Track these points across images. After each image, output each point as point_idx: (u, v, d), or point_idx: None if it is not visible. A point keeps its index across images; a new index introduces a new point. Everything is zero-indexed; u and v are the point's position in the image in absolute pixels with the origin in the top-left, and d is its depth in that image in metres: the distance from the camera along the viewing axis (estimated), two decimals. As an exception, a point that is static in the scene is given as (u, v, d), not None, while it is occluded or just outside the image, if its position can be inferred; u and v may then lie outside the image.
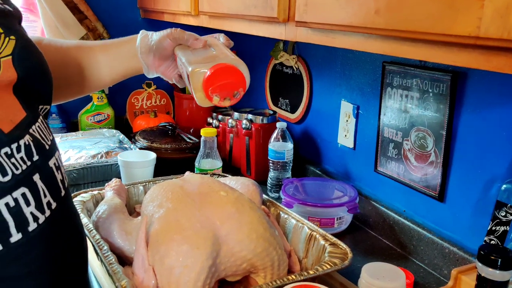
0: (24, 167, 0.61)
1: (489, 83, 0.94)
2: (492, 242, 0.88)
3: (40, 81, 0.70)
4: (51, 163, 0.67)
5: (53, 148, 0.69)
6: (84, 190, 1.07)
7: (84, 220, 0.93)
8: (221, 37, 0.92)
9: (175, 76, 0.94)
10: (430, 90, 1.05)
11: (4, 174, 0.58)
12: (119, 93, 2.00)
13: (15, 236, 0.58)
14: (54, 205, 0.65)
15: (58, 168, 0.69)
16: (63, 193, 0.69)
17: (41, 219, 0.62)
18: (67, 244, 0.69)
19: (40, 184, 0.63)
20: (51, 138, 0.70)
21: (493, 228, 0.89)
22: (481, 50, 0.54)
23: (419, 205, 1.14)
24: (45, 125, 0.70)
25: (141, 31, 0.93)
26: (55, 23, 1.75)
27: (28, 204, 0.60)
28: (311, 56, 1.51)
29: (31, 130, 0.65)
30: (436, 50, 0.61)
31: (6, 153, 0.59)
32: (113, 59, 0.91)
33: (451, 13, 0.55)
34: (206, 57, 0.83)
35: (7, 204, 0.58)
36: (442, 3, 0.56)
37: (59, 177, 0.69)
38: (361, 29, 0.71)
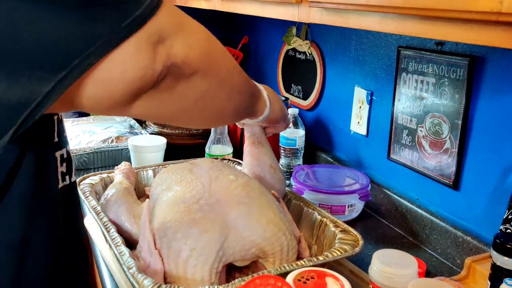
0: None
1: (508, 68, 0.91)
2: (508, 231, 0.85)
3: None
4: None
5: None
6: (93, 173, 1.07)
7: (93, 202, 0.92)
8: None
9: None
10: (447, 75, 1.02)
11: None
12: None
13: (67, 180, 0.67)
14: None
15: None
16: None
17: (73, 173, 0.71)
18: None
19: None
20: None
21: (509, 217, 0.86)
22: (503, 27, 0.52)
23: (433, 193, 1.12)
24: None
25: None
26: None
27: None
28: (324, 42, 1.48)
29: None
30: (456, 29, 0.58)
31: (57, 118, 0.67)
32: None
33: (472, -12, 0.52)
34: None
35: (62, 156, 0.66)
36: (463, -22, 0.54)
37: None
38: (377, 8, 0.69)
